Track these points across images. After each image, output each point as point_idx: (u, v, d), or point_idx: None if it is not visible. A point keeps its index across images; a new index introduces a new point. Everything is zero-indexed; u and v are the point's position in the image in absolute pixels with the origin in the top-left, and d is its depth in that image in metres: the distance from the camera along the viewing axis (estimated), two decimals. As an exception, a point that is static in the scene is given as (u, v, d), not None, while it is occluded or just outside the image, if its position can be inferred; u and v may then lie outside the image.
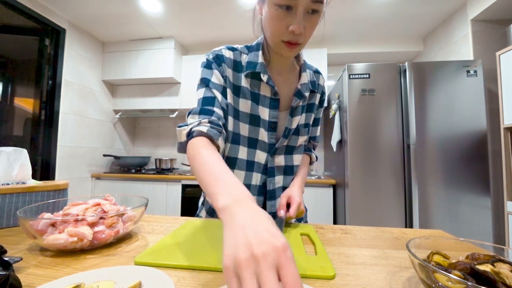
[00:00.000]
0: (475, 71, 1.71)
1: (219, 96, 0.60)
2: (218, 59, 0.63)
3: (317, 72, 0.76)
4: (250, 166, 0.67)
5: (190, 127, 0.52)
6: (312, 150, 0.86)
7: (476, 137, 1.69)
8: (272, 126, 0.66)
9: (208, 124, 0.53)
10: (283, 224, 0.57)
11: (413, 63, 1.76)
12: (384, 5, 2.03)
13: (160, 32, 2.48)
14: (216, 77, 0.61)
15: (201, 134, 0.50)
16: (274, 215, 0.69)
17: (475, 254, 0.35)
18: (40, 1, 1.99)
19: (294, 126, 0.68)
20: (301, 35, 0.53)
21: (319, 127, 0.83)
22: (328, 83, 2.78)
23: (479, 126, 1.69)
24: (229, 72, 0.63)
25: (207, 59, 0.64)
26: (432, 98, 1.74)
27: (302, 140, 0.73)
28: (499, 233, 1.71)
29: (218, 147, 0.51)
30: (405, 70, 1.78)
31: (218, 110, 0.57)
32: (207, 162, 0.42)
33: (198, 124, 0.52)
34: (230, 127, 0.64)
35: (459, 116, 1.71)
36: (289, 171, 0.73)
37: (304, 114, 0.72)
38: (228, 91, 0.63)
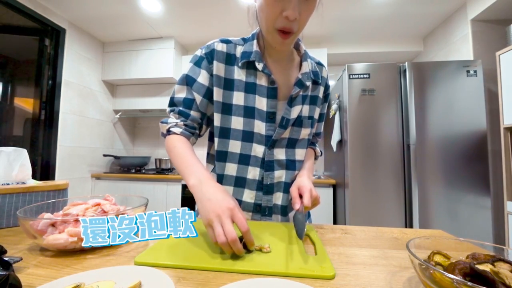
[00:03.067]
0: (475, 71, 1.71)
1: (198, 98, 0.64)
2: (211, 55, 0.63)
3: (319, 64, 0.73)
4: (245, 159, 0.66)
5: (169, 126, 0.63)
6: (316, 144, 0.83)
7: (476, 137, 1.69)
8: (270, 117, 0.64)
9: (183, 127, 0.64)
10: (304, 216, 0.51)
11: (413, 63, 1.76)
12: (384, 5, 2.03)
13: (160, 32, 2.48)
14: (202, 77, 0.64)
15: (175, 134, 0.63)
16: (270, 209, 0.68)
17: (475, 253, 0.35)
18: (40, 1, 1.99)
19: (293, 116, 0.65)
20: (295, 22, 0.52)
21: (323, 123, 0.81)
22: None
23: (479, 126, 1.69)
24: (220, 67, 0.64)
25: (199, 55, 0.65)
26: (432, 98, 1.74)
27: (305, 133, 0.69)
28: (499, 233, 1.71)
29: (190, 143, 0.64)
30: (405, 70, 1.78)
31: (194, 113, 0.65)
32: (181, 154, 0.58)
33: (175, 125, 0.63)
34: (217, 122, 0.65)
35: (459, 116, 1.71)
36: (291, 166, 0.69)
37: (307, 106, 0.69)
38: (217, 89, 0.64)
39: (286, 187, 0.70)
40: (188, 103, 0.64)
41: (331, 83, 2.81)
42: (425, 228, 1.53)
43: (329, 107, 2.32)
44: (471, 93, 1.71)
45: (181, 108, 0.64)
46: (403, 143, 1.77)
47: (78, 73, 2.36)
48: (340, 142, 2.02)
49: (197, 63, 0.64)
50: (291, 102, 0.65)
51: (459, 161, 1.69)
